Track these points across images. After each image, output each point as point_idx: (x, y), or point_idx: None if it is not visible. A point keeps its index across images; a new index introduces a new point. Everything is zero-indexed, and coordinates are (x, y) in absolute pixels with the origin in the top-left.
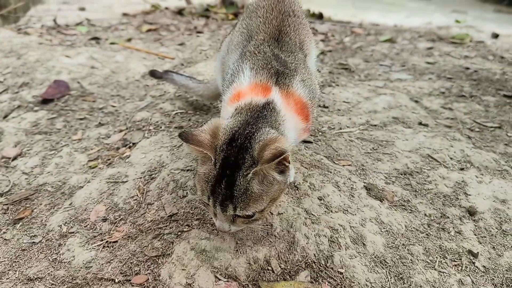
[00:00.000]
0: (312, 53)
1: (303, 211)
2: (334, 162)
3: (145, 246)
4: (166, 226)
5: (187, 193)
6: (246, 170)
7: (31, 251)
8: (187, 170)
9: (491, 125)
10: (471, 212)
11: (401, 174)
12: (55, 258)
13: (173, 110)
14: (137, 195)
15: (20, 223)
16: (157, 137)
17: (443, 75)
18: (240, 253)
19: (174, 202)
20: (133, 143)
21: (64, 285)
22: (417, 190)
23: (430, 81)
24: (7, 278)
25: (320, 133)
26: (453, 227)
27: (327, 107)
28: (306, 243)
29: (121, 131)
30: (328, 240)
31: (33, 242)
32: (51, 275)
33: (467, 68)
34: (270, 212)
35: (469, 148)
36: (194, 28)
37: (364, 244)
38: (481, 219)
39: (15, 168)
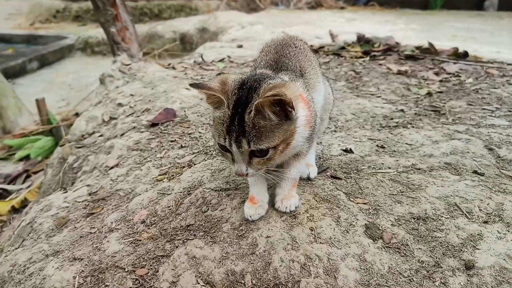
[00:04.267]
0: (318, 86)
1: (289, 237)
2: (350, 199)
3: (158, 247)
4: (181, 233)
5: (208, 208)
6: (251, 106)
7: (85, 239)
8: (216, 190)
9: None
10: (468, 266)
11: (413, 219)
12: (97, 246)
13: None
14: (172, 206)
15: (90, 217)
16: (212, 161)
17: None
18: (222, 264)
19: (195, 215)
20: (194, 164)
21: (92, 266)
22: (422, 236)
23: None
24: (62, 255)
25: (355, 171)
26: (441, 278)
27: (383, 148)
28: (280, 266)
29: (193, 153)
30: (301, 266)
31: (90, 232)
32: (88, 258)
33: None
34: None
35: None
36: None
37: (335, 277)
38: (477, 275)
39: (108, 175)
